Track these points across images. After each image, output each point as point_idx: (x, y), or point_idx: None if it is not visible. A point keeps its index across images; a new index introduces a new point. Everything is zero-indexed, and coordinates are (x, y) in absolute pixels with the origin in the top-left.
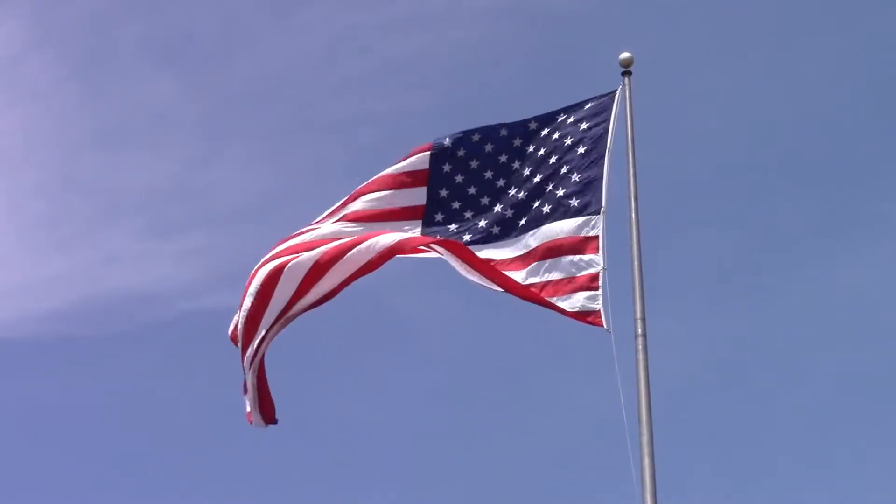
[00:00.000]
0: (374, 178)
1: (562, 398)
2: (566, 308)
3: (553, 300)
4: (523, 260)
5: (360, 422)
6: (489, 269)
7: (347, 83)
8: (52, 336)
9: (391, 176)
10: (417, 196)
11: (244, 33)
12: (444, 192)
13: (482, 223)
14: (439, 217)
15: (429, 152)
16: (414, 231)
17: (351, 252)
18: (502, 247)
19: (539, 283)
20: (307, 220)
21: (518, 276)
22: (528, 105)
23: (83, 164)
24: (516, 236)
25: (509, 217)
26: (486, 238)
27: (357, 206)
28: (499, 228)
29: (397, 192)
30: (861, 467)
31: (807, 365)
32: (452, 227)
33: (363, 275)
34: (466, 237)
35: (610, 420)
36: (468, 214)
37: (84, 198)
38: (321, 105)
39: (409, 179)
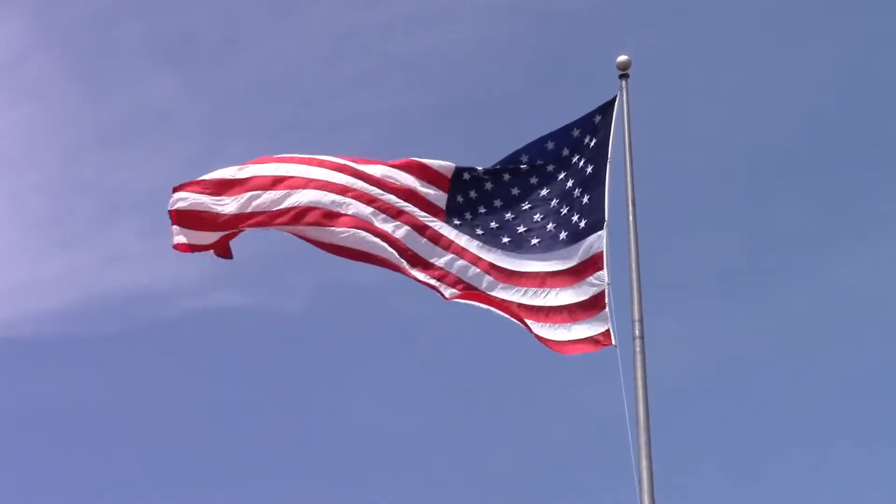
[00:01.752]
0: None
1: (563, 399)
2: (571, 339)
3: (559, 330)
4: (531, 279)
5: (361, 421)
6: (496, 304)
7: (349, 82)
8: (54, 335)
9: (416, 165)
10: (439, 198)
11: (245, 32)
12: (460, 198)
13: (493, 224)
14: (456, 220)
15: (451, 171)
16: (434, 224)
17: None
18: (509, 258)
19: (545, 307)
20: None
21: (522, 293)
22: (530, 104)
23: (84, 164)
24: (526, 253)
25: (522, 232)
26: (496, 244)
27: (376, 172)
28: (509, 240)
29: (420, 182)
30: (861, 467)
31: (808, 364)
32: (468, 216)
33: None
34: (479, 231)
35: (611, 421)
36: (482, 210)
37: (85, 197)
38: (322, 104)
39: (432, 178)
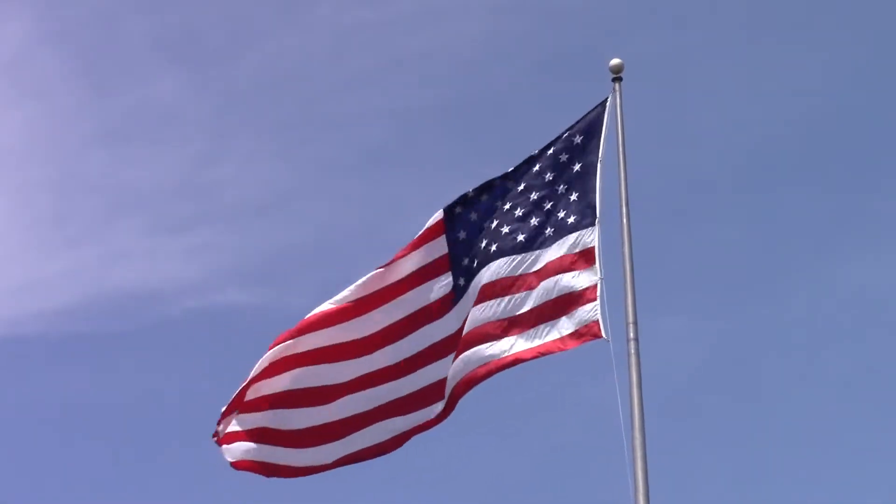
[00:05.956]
0: (397, 267)
1: (561, 397)
2: (563, 332)
3: (549, 327)
4: (522, 282)
5: None
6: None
7: (355, 79)
8: (58, 333)
9: (412, 259)
10: (439, 247)
11: (251, 29)
12: (462, 234)
13: (493, 248)
14: (465, 261)
15: (441, 215)
16: (445, 284)
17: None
18: (500, 266)
19: (536, 307)
20: (313, 217)
21: (515, 300)
22: (535, 101)
23: (89, 161)
24: (516, 254)
25: (506, 232)
26: (487, 258)
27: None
28: (495, 246)
29: (418, 259)
30: (863, 467)
31: (812, 363)
32: (475, 264)
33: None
34: (474, 264)
35: (609, 420)
36: (484, 244)
37: (90, 195)
38: (329, 101)
39: (427, 240)
